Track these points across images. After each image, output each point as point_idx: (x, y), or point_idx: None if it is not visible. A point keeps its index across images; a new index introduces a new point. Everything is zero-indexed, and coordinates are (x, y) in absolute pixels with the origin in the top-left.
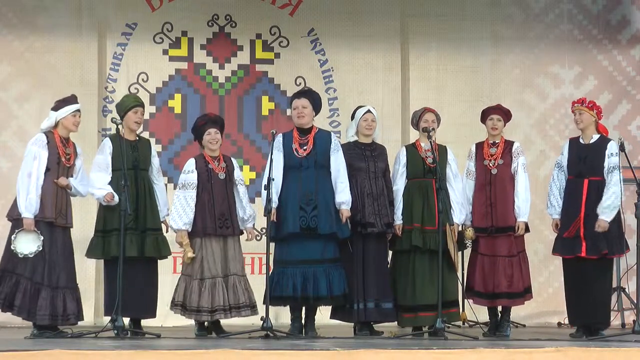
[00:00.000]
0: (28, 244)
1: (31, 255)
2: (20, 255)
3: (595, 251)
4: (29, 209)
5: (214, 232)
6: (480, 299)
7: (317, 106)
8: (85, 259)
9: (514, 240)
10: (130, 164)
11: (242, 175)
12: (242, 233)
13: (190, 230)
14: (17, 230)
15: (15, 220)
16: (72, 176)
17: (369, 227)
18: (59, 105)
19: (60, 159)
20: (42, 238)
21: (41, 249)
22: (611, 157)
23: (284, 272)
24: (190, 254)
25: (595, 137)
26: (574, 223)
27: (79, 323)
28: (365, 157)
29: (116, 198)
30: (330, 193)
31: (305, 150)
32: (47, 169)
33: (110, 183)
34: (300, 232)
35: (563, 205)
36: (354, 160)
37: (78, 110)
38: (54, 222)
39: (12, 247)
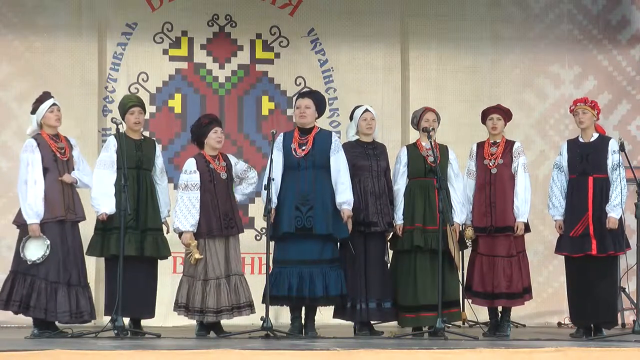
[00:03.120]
0: (36, 250)
1: (39, 262)
2: (28, 262)
3: (603, 249)
4: (31, 216)
5: (220, 233)
6: (479, 299)
7: (320, 107)
8: (86, 258)
9: (514, 240)
10: (133, 163)
11: (244, 163)
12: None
13: (195, 231)
14: (25, 237)
15: (22, 226)
16: (73, 169)
17: (372, 227)
18: (35, 107)
19: (56, 156)
20: (48, 243)
21: (48, 253)
22: (614, 154)
23: (281, 271)
24: (197, 256)
25: (595, 135)
26: (582, 221)
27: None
28: (368, 156)
29: (110, 211)
30: (329, 193)
31: (303, 150)
32: (46, 169)
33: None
34: (295, 232)
35: (566, 204)
36: (357, 158)
37: (54, 104)
38: (64, 219)
39: (21, 255)
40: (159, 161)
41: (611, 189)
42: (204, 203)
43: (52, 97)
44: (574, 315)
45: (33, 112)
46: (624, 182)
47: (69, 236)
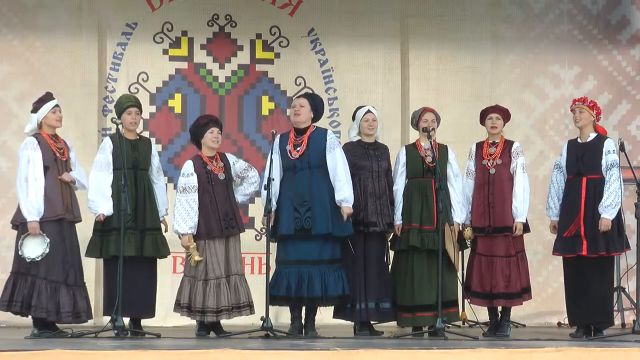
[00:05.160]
0: (35, 248)
1: (38, 259)
2: (27, 260)
3: (594, 250)
4: (32, 213)
5: (220, 234)
6: (478, 299)
7: (317, 109)
8: (85, 258)
9: (512, 240)
10: (130, 163)
11: (244, 162)
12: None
13: (195, 233)
14: (23, 235)
15: (21, 225)
16: (71, 169)
17: (371, 227)
18: (37, 106)
19: (56, 155)
20: (48, 240)
21: (48, 251)
22: (609, 154)
23: (281, 272)
24: (197, 258)
25: (593, 135)
26: (574, 222)
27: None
28: (369, 156)
29: (107, 212)
30: (328, 192)
31: (298, 151)
32: (47, 168)
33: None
34: (294, 234)
35: (562, 205)
36: (357, 159)
37: (57, 106)
38: (64, 218)
39: (19, 253)
40: (155, 160)
41: (604, 189)
42: (203, 204)
43: (54, 98)
44: (571, 315)
45: (34, 111)
46: (617, 183)
47: (66, 236)
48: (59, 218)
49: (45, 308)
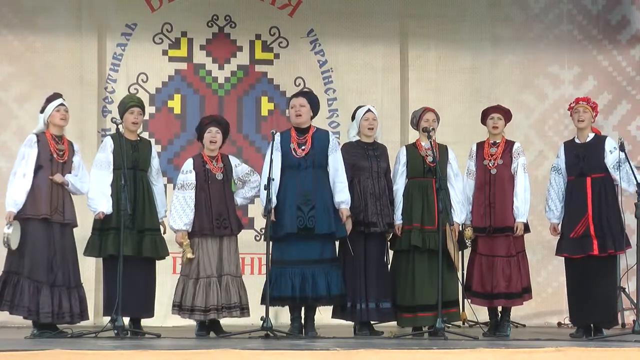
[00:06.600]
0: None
1: (4, 246)
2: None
3: (603, 249)
4: (10, 204)
5: (211, 233)
6: (478, 299)
7: (314, 107)
8: (85, 258)
9: (513, 240)
10: (129, 164)
11: (247, 166)
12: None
13: (190, 230)
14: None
15: (22, 220)
16: (69, 173)
17: (371, 227)
18: (44, 106)
19: (53, 156)
20: (8, 230)
21: (8, 235)
22: (614, 151)
23: (282, 272)
24: (189, 255)
25: (591, 135)
26: (581, 222)
27: (81, 322)
28: (369, 157)
29: (107, 210)
30: (329, 193)
31: (303, 150)
32: (40, 166)
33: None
34: (297, 232)
35: (565, 206)
36: (357, 159)
37: (62, 104)
38: (49, 218)
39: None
40: (155, 162)
41: (626, 179)
42: (198, 202)
43: (62, 97)
44: (574, 315)
45: (41, 110)
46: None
47: (56, 237)
48: (43, 218)
49: (26, 307)
